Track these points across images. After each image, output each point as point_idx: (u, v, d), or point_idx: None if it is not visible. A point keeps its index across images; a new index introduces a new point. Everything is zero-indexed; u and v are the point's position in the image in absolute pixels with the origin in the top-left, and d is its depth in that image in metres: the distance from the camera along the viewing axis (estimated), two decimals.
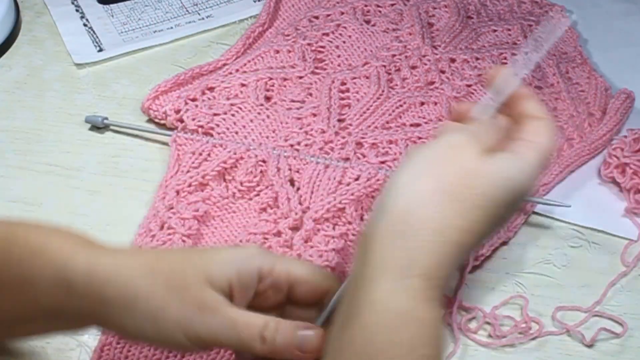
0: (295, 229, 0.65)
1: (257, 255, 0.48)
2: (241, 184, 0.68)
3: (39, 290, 0.47)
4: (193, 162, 0.69)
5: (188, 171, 0.68)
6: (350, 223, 0.65)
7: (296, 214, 0.65)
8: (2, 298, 0.48)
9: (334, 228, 0.65)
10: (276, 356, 0.46)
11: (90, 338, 0.59)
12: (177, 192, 0.67)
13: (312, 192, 0.67)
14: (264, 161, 0.69)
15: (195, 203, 0.66)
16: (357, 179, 0.67)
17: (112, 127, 0.74)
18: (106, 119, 0.74)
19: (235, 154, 0.69)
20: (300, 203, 0.66)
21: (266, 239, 0.64)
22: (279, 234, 0.65)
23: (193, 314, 0.45)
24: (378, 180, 0.67)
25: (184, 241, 0.63)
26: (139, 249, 0.52)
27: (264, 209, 0.67)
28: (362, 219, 0.66)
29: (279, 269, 0.48)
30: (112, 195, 0.69)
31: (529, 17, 0.86)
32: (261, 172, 0.68)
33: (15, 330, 0.51)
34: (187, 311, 0.45)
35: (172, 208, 0.66)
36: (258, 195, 0.67)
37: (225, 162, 0.68)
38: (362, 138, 0.72)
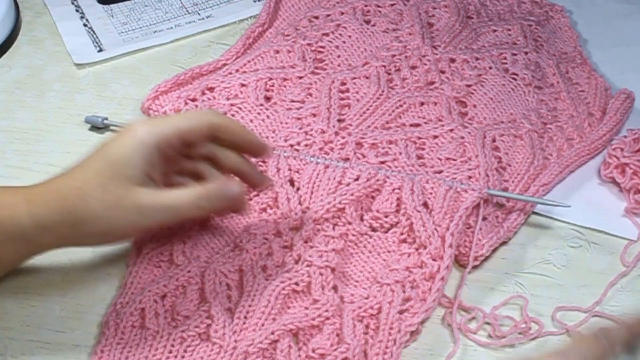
0: (295, 229, 0.65)
1: (146, 135, 0.56)
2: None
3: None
4: None
5: None
6: (350, 223, 0.65)
7: (296, 214, 0.65)
8: None
9: (333, 228, 0.65)
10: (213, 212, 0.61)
11: (90, 337, 0.59)
12: None
13: (312, 192, 0.67)
14: (263, 161, 0.69)
15: None
16: (357, 179, 0.67)
17: (112, 128, 0.74)
18: (106, 119, 0.74)
19: None
20: (300, 203, 0.66)
21: (266, 239, 0.64)
22: (279, 234, 0.64)
23: (136, 214, 0.56)
24: (378, 180, 0.67)
25: (184, 242, 0.63)
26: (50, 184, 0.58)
27: (264, 209, 0.66)
28: (361, 219, 0.66)
29: (166, 132, 0.57)
30: None
31: (529, 17, 0.86)
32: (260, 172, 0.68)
33: None
34: (129, 214, 0.55)
35: None
36: (258, 195, 0.67)
37: None
38: (362, 138, 0.72)
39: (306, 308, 0.60)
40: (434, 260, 0.62)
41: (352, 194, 0.66)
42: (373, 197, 0.67)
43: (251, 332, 0.58)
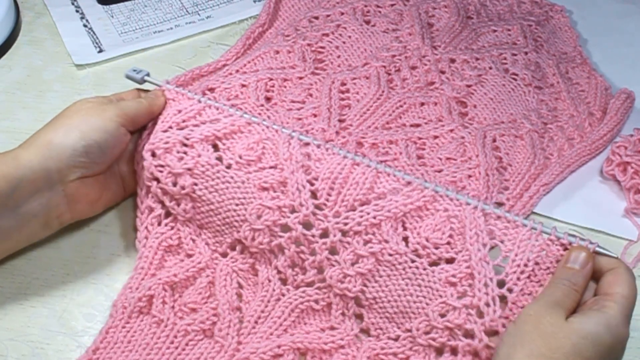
0: (306, 225, 0.59)
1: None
2: (240, 157, 0.62)
3: None
4: (177, 119, 0.63)
5: (168, 128, 0.63)
6: (386, 241, 0.58)
7: (307, 209, 0.59)
8: None
9: (365, 244, 0.58)
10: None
11: (90, 339, 0.59)
12: (152, 154, 0.62)
13: (330, 189, 0.59)
14: (269, 139, 0.62)
15: (180, 175, 0.62)
16: (394, 192, 0.59)
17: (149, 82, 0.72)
18: (147, 74, 0.72)
19: (232, 125, 0.63)
20: (314, 197, 0.60)
21: (274, 234, 0.60)
22: (287, 229, 0.59)
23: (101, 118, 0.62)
24: (425, 197, 0.58)
25: (188, 226, 0.62)
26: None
27: (266, 189, 0.60)
28: (406, 241, 0.58)
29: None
30: None
31: (528, 17, 0.86)
32: (263, 148, 0.62)
33: None
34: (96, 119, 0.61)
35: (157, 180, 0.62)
36: (261, 170, 0.61)
37: (218, 131, 0.63)
38: (363, 138, 0.72)
39: (322, 330, 0.57)
40: (488, 335, 0.53)
41: (389, 210, 0.58)
42: (420, 217, 0.58)
43: (258, 338, 0.57)
